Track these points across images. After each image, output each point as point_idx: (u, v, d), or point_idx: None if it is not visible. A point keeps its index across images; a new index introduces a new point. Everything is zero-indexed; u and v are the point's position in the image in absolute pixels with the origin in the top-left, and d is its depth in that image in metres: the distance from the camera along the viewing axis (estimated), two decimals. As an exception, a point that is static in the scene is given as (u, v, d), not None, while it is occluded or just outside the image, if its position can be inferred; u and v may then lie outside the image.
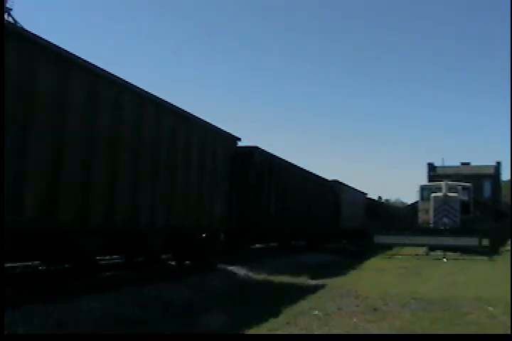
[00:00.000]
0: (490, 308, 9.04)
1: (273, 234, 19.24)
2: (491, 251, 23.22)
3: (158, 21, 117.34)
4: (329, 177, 29.65)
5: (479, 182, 40.51)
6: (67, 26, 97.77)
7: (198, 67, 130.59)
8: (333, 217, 27.81)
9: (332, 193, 27.94)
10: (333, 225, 27.73)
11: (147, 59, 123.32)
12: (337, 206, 28.61)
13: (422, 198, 29.28)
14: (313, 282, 12.76)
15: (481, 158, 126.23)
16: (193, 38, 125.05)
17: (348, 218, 30.44)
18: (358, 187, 36.61)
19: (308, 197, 23.01)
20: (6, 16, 35.01)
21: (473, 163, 47.13)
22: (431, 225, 26.52)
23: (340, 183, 29.84)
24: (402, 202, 74.71)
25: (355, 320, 7.83)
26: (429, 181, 37.80)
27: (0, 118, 6.46)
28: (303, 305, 9.16)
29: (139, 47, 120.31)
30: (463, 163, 47.28)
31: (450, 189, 27.28)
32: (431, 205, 27.03)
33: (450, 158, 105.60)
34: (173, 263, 13.17)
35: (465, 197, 28.39)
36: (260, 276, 13.31)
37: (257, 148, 16.73)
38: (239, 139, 14.63)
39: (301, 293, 10.55)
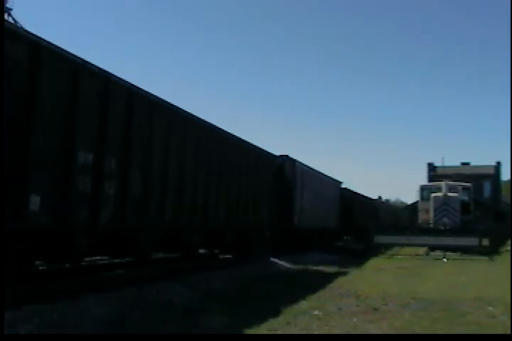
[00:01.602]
0: (490, 308, 9.05)
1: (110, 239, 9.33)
2: (491, 251, 23.24)
3: (157, 21, 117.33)
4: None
5: (479, 182, 40.41)
6: (68, 26, 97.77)
7: (199, 66, 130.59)
8: (282, 211, 19.06)
9: (280, 174, 19.20)
10: (284, 223, 19.35)
11: (146, 57, 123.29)
12: (289, 195, 20.08)
13: (422, 198, 29.31)
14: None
15: (481, 158, 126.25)
16: (192, 37, 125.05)
17: (310, 214, 22.30)
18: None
19: (229, 176, 13.91)
20: (6, 16, 35.05)
21: (473, 163, 47.08)
22: (431, 225, 26.54)
23: (295, 161, 20.77)
24: (402, 202, 74.61)
25: (355, 320, 7.83)
26: (429, 181, 37.71)
27: (0, 118, 6.45)
28: (303, 305, 9.16)
29: (138, 46, 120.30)
30: (463, 163, 47.16)
31: (450, 189, 27.30)
32: (431, 205, 27.06)
33: (450, 158, 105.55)
34: None
35: (465, 197, 28.41)
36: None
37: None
38: None
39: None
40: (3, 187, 6.48)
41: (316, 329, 7.10)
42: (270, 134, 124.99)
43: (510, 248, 25.39)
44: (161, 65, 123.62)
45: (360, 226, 32.09)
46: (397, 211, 54.80)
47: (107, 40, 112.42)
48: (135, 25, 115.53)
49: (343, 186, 32.17)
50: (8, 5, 37.01)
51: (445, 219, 26.19)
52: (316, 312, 8.33)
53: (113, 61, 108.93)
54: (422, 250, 24.36)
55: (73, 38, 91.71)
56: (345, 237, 35.72)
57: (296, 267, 16.88)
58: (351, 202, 32.33)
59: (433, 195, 27.39)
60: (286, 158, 20.30)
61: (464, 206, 27.63)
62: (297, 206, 20.92)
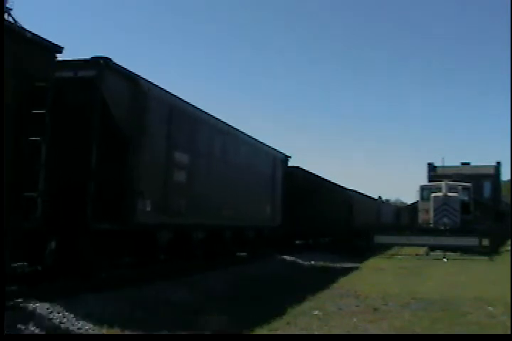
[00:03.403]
0: (490, 308, 9.05)
1: None
2: (491, 251, 23.23)
3: (159, 18, 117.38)
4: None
5: (479, 182, 40.46)
6: (68, 26, 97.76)
7: (198, 65, 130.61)
8: (87, 183, 8.61)
9: (95, 104, 8.83)
10: (102, 215, 8.76)
11: (144, 55, 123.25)
12: (119, 151, 9.36)
13: (422, 198, 29.30)
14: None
15: (481, 158, 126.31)
16: (191, 36, 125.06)
17: (200, 199, 12.17)
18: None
19: None
20: (6, 16, 35.05)
21: (473, 163, 47.15)
22: (431, 225, 26.54)
23: (136, 77, 9.87)
24: (402, 202, 74.65)
25: (355, 320, 7.83)
26: (429, 181, 37.77)
27: (0, 118, 6.45)
28: (303, 305, 9.15)
29: (137, 44, 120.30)
30: (463, 163, 47.25)
31: (450, 189, 27.31)
32: (431, 205, 27.06)
33: (450, 158, 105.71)
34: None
35: (465, 197, 28.41)
36: None
37: None
38: None
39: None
40: (4, 186, 6.48)
41: (316, 329, 7.10)
42: (270, 133, 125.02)
43: (510, 248, 25.39)
44: (161, 62, 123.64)
45: (328, 226, 25.91)
46: (380, 207, 46.96)
47: (107, 40, 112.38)
48: (135, 24, 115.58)
49: (298, 165, 21.77)
50: (8, 5, 37.00)
51: (445, 219, 26.18)
52: (316, 312, 8.33)
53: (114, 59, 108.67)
54: (422, 250, 24.34)
55: (73, 37, 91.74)
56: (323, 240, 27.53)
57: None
58: (312, 190, 22.77)
59: (433, 195, 27.38)
60: (108, 63, 9.09)
61: (464, 206, 27.62)
62: (147, 176, 9.93)
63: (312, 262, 18.99)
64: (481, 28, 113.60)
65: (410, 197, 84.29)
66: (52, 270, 8.82)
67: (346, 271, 15.92)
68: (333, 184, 29.05)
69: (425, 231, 25.52)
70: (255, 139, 16.61)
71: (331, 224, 26.57)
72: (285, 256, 18.45)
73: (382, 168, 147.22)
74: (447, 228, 24.99)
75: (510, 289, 10.51)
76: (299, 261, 18.67)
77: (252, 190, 15.88)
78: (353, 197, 33.46)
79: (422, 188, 29.93)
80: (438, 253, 23.16)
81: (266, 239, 17.78)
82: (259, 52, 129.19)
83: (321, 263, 19.04)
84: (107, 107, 8.97)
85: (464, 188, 28.92)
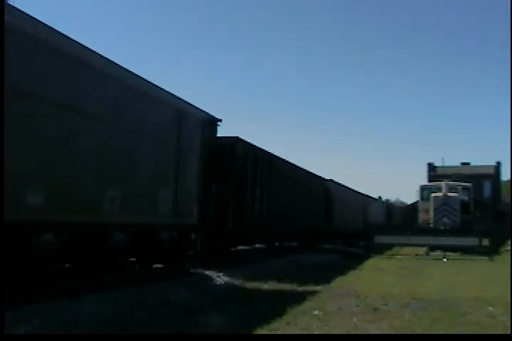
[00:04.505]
0: (490, 308, 9.05)
1: None
2: (491, 251, 23.26)
3: (159, 16, 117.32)
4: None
5: (479, 182, 40.54)
6: (68, 25, 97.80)
7: (197, 65, 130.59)
8: None
9: None
10: None
11: (143, 52, 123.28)
12: None
13: (422, 198, 29.36)
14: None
15: (481, 158, 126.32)
16: (189, 33, 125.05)
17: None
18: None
19: None
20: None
21: (473, 163, 47.22)
22: (431, 225, 26.57)
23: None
24: (402, 202, 74.61)
25: (355, 320, 7.83)
26: (429, 181, 37.83)
27: (0, 118, 6.45)
28: (303, 305, 9.16)
29: (137, 44, 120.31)
30: (463, 163, 47.32)
31: (450, 189, 27.37)
32: (431, 205, 27.10)
33: (450, 158, 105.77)
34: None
35: (465, 197, 28.48)
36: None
37: None
38: None
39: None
40: (3, 185, 6.49)
41: (316, 329, 7.10)
42: (269, 132, 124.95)
43: (510, 248, 25.42)
44: (161, 58, 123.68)
45: (292, 226, 19.50)
46: (368, 205, 38.34)
47: (108, 39, 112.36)
48: (136, 22, 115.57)
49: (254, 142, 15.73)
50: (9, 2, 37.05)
51: (445, 219, 26.23)
52: (316, 312, 8.33)
53: (115, 58, 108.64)
54: (422, 250, 24.38)
55: (74, 37, 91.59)
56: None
57: None
58: (264, 173, 16.48)
59: (433, 195, 27.43)
60: None
61: (464, 206, 27.68)
62: None
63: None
64: (481, 27, 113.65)
65: (410, 197, 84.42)
66: None
67: (346, 271, 15.91)
68: (300, 169, 21.24)
69: (425, 231, 25.55)
70: (139, 76, 9.66)
71: (298, 224, 20.25)
72: (208, 272, 11.90)
73: (382, 167, 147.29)
74: (447, 228, 25.03)
75: (510, 289, 10.52)
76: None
77: (124, 163, 9.25)
78: (331, 189, 26.24)
79: (422, 188, 29.99)
80: (438, 253, 23.19)
81: (162, 246, 10.72)
82: (258, 52, 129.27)
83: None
84: None
85: (464, 188, 28.99)
